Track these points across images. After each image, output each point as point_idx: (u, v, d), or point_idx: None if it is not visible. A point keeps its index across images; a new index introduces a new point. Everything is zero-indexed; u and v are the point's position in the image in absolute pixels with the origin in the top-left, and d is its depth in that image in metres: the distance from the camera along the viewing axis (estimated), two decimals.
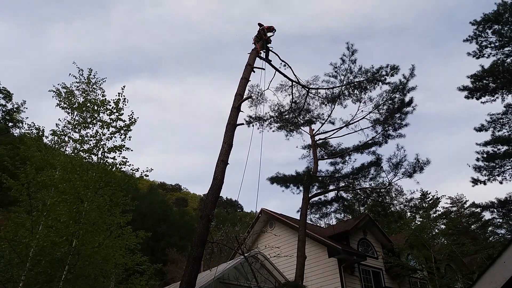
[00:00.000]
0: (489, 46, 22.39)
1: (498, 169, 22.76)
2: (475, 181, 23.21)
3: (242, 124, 12.61)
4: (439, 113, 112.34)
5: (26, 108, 26.91)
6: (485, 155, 22.95)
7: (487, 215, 35.14)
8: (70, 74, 12.38)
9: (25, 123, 26.10)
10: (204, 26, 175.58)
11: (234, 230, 12.11)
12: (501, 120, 22.84)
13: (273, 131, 18.34)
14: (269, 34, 14.42)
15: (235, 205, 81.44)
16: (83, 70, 12.61)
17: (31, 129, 12.08)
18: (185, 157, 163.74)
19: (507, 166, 22.61)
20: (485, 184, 22.97)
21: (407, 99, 16.71)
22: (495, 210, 25.44)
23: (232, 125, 11.51)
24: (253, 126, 17.58)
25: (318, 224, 26.72)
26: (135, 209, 13.73)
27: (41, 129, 12.02)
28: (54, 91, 12.32)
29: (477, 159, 23.20)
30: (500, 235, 36.11)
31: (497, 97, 22.72)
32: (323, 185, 17.20)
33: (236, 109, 11.89)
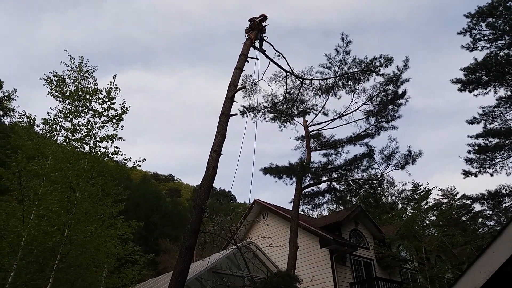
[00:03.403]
0: (482, 39, 22.42)
1: (489, 161, 22.96)
2: (466, 173, 23.41)
3: (236, 114, 12.55)
4: (431, 107, 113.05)
5: (17, 96, 26.70)
6: (476, 148, 23.11)
7: (477, 207, 35.49)
8: (61, 62, 12.23)
9: (16, 112, 25.84)
10: (198, 17, 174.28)
11: (227, 220, 12.12)
12: (493, 113, 22.96)
13: (267, 121, 18.34)
14: (262, 23, 14.29)
15: (228, 196, 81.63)
16: (74, 58, 12.45)
17: (22, 118, 11.95)
18: (179, 148, 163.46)
19: (498, 158, 22.80)
20: (476, 176, 23.19)
21: (400, 91, 16.75)
22: (485, 202, 25.69)
23: (225, 115, 11.44)
24: (247, 116, 17.55)
25: (311, 215, 26.88)
26: (128, 199, 13.71)
27: (32, 117, 11.89)
28: (45, 79, 12.18)
29: (469, 152, 23.37)
30: (489, 226, 36.55)
31: (489, 90, 22.82)
32: (315, 176, 17.25)
33: (229, 99, 11.81)
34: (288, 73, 16.37)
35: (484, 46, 22.47)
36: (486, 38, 22.36)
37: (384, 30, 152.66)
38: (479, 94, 23.06)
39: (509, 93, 22.44)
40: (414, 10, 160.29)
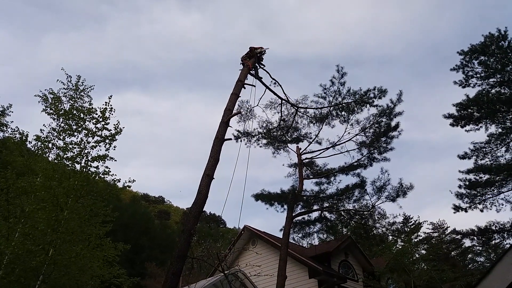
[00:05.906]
0: (475, 76, 22.91)
1: (479, 197, 23.03)
2: (457, 208, 23.42)
3: (230, 139, 12.59)
4: (424, 140, 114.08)
5: (12, 111, 26.44)
6: (467, 183, 23.23)
7: (467, 243, 35.39)
8: (58, 80, 12.25)
9: (9, 127, 25.65)
10: (199, 45, 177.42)
11: (216, 246, 11.95)
12: (484, 149, 23.21)
13: (260, 147, 18.40)
14: (260, 53, 14.55)
15: (218, 220, 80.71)
16: (71, 77, 12.48)
17: (15, 134, 11.87)
18: (171, 170, 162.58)
19: (488, 194, 22.90)
20: (466, 211, 23.19)
21: (393, 123, 16.99)
22: (475, 237, 25.65)
23: (219, 140, 11.47)
24: (240, 141, 17.62)
25: (301, 244, 26.61)
26: (116, 220, 13.49)
27: (25, 133, 11.81)
28: (40, 96, 12.17)
29: (460, 186, 23.46)
30: (479, 263, 36.39)
31: (481, 126, 23.14)
32: (307, 205, 17.21)
33: (224, 124, 11.87)
34: (283, 101, 16.57)
35: (476, 83, 22.94)
36: (478, 75, 22.85)
37: (380, 64, 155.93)
38: (471, 130, 23.36)
39: (500, 130, 22.77)
40: (410, 46, 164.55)
